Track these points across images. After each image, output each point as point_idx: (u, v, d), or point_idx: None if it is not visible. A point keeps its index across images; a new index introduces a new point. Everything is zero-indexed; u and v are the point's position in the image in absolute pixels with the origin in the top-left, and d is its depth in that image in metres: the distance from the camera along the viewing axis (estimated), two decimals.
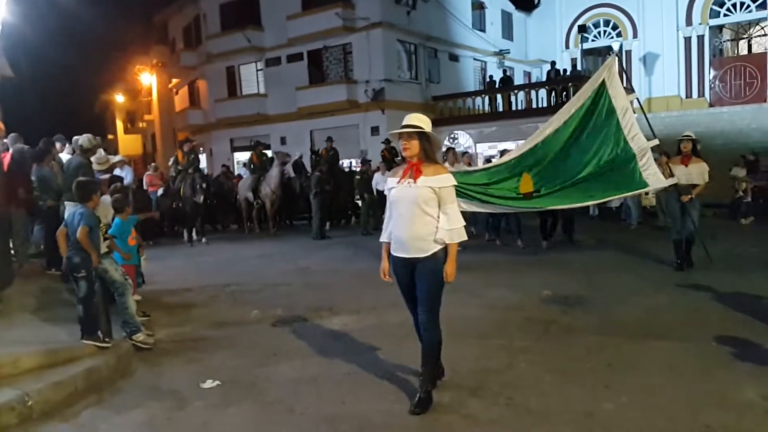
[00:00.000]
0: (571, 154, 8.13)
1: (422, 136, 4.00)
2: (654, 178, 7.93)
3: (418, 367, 4.27)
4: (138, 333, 5.70)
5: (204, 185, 13.76)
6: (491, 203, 8.39)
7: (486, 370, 4.74)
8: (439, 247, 3.97)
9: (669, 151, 9.83)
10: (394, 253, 4.13)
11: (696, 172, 7.96)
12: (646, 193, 13.11)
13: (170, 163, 15.58)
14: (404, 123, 4.04)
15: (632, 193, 8.87)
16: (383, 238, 4.21)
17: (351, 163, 20.85)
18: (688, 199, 7.94)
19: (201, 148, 18.83)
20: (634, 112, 8.32)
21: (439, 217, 3.98)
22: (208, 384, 4.71)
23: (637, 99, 8.47)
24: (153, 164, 17.86)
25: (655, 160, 8.31)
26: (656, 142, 8.22)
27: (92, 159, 8.45)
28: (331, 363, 5.12)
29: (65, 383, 4.55)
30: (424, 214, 3.94)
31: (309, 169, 17.74)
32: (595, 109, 8.12)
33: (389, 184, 4.20)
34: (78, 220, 5.20)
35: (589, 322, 5.95)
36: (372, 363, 5.07)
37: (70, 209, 6.00)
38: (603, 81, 8.11)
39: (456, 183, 7.47)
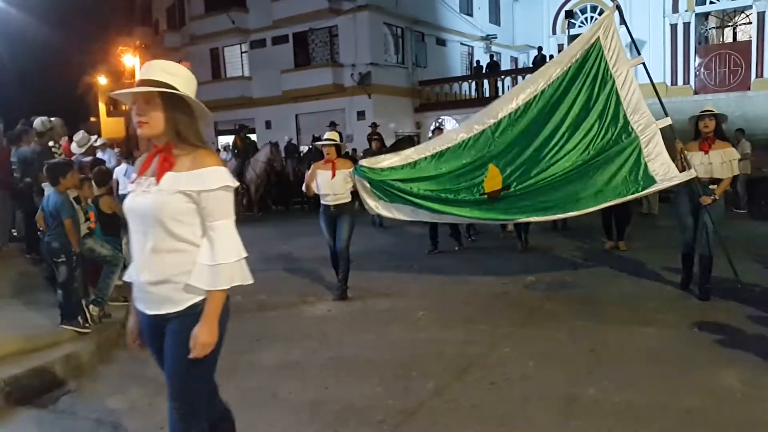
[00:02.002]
0: (552, 136, 6.31)
1: (170, 100, 2.31)
2: (663, 171, 5.96)
3: (402, 352, 4.26)
4: (98, 306, 5.50)
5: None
6: (432, 209, 6.60)
7: (470, 355, 4.74)
8: (200, 297, 2.32)
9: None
10: (136, 304, 2.47)
11: (719, 162, 5.73)
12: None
13: None
14: (140, 76, 2.36)
15: (635, 196, 6.31)
16: (127, 276, 2.48)
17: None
18: (710, 201, 5.72)
19: None
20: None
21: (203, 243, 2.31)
22: None
23: (644, 64, 6.34)
24: (117, 149, 17.46)
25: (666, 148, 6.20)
26: (668, 121, 6.09)
27: (74, 140, 8.29)
28: (314, 348, 5.10)
29: (44, 369, 4.50)
30: (171, 238, 2.27)
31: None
32: (586, 76, 6.29)
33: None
34: (53, 205, 5.12)
35: (572, 308, 5.97)
36: (355, 348, 5.06)
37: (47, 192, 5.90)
38: (597, 39, 6.30)
39: (373, 178, 6.57)
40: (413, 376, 4.35)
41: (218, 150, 20.81)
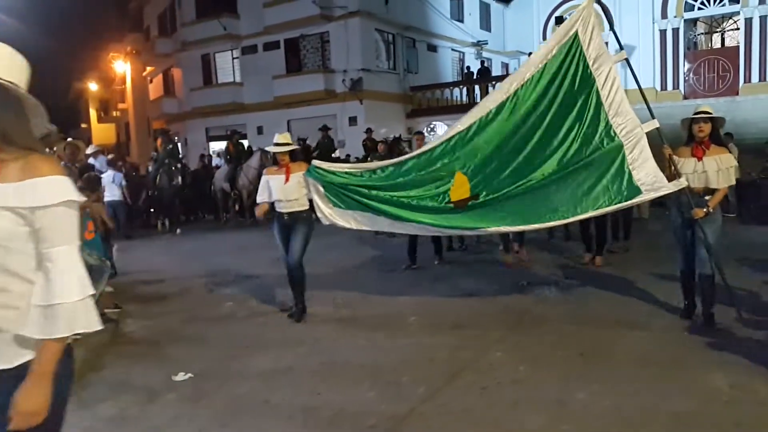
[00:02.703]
0: (526, 141, 5.72)
1: None
2: (650, 180, 5.30)
3: (393, 357, 4.27)
4: None
5: (179, 165, 13.60)
6: (393, 215, 5.98)
7: (461, 359, 4.75)
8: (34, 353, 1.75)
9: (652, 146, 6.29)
10: None
11: (714, 169, 5.07)
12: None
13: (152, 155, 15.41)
14: None
15: (617, 207, 5.60)
16: None
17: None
18: (702, 214, 5.06)
19: (176, 137, 18.61)
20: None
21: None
22: (181, 376, 4.65)
23: (627, 61, 5.85)
24: (110, 155, 17.46)
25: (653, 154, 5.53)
26: (655, 124, 5.39)
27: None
28: (306, 354, 5.10)
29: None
30: None
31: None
32: (564, 75, 5.61)
33: None
34: None
35: (562, 312, 6.00)
36: (347, 353, 5.06)
37: None
38: (575, 34, 5.59)
39: (328, 181, 6.00)
40: (405, 381, 4.36)
41: (210, 155, 20.80)
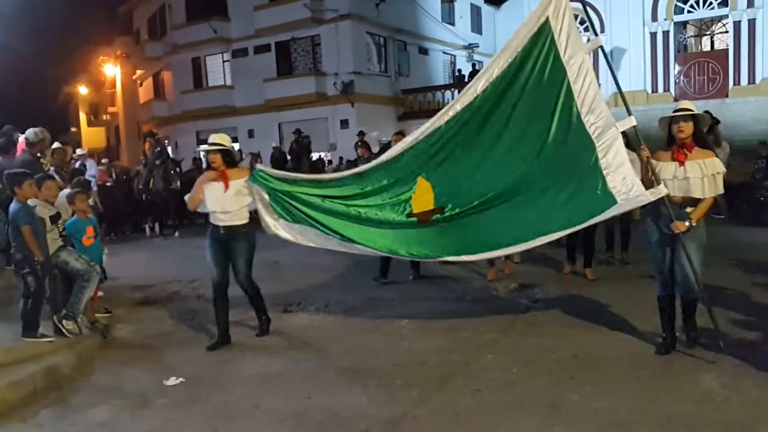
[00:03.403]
0: (492, 146, 5.09)
1: None
2: (626, 188, 4.65)
3: (385, 361, 4.26)
4: (71, 320, 5.36)
5: (178, 170, 13.51)
6: (345, 235, 5.33)
7: (453, 363, 4.75)
8: None
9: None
10: None
11: (698, 176, 4.36)
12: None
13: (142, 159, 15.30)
14: None
15: (592, 221, 4.96)
16: None
17: (321, 156, 20.72)
18: (684, 228, 4.37)
19: (167, 141, 18.56)
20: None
21: None
22: (172, 381, 4.62)
23: (602, 48, 5.21)
24: (103, 160, 17.38)
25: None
26: (632, 122, 4.69)
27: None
28: (297, 358, 5.08)
29: (23, 382, 4.45)
30: None
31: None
32: (533, 68, 4.95)
33: None
34: (12, 215, 5.09)
35: (554, 314, 6.00)
36: (339, 357, 5.04)
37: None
38: (546, 20, 4.92)
39: (274, 188, 5.34)
40: (397, 384, 4.35)
41: (202, 159, 20.71)
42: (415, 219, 5.25)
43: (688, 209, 4.45)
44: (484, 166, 5.12)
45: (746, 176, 12.79)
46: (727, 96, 23.53)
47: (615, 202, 4.70)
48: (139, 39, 31.34)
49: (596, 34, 5.22)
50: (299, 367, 4.86)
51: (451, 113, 5.10)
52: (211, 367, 4.96)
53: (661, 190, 4.45)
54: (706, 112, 5.73)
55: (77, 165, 10.66)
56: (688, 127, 4.44)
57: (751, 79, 23.54)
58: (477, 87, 5.05)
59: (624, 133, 4.84)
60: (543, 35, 4.92)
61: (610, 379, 4.24)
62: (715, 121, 7.54)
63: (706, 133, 4.70)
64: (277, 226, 5.47)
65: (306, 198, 5.38)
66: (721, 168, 4.44)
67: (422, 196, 5.20)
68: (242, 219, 5.39)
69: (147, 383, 4.63)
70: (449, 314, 6.17)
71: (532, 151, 5.02)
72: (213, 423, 3.93)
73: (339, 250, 5.54)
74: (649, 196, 4.49)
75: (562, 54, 4.88)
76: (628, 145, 5.18)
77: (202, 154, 23.65)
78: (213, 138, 5.42)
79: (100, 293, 6.41)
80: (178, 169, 13.60)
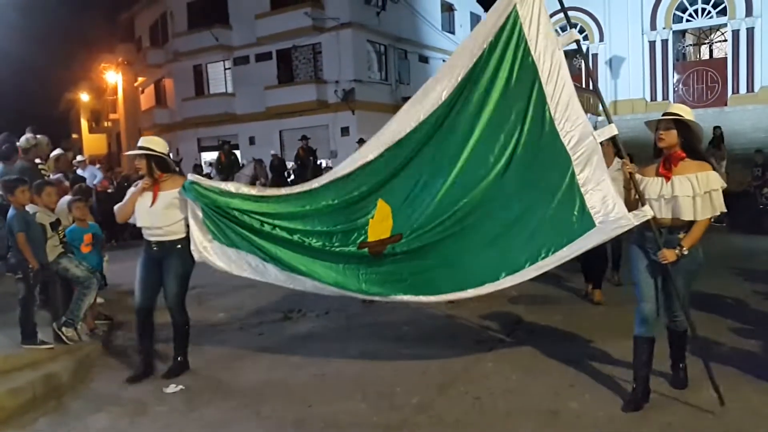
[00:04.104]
0: (455, 159, 4.31)
1: None
2: (605, 208, 3.94)
3: (385, 368, 4.25)
4: (70, 327, 5.35)
5: (178, 169, 13.52)
6: (286, 264, 4.54)
7: (453, 370, 4.74)
8: None
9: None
10: None
11: (687, 194, 3.68)
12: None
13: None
14: None
15: (568, 252, 4.09)
16: None
17: (322, 163, 20.75)
18: (673, 258, 3.70)
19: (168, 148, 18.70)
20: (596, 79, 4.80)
21: None
22: (172, 388, 4.61)
23: (578, 42, 4.21)
24: (97, 165, 17.33)
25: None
26: (612, 130, 3.99)
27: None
28: (298, 365, 5.07)
29: (22, 389, 4.44)
30: None
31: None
32: (499, 69, 4.20)
33: None
34: (7, 221, 5.11)
35: (554, 320, 6.00)
36: (339, 364, 5.04)
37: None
38: (513, 8, 4.14)
39: (209, 202, 4.53)
40: (397, 392, 4.35)
41: (202, 165, 20.79)
42: (366, 251, 4.44)
43: (680, 234, 3.76)
44: (448, 186, 4.31)
45: (745, 184, 12.83)
46: (725, 104, 23.63)
47: (593, 225, 3.96)
48: (140, 46, 31.46)
49: (570, 26, 4.45)
50: (299, 374, 4.86)
51: (413, 124, 4.31)
52: (212, 374, 4.96)
53: (645, 213, 3.76)
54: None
55: (78, 171, 10.67)
56: (669, 136, 3.75)
57: (750, 87, 23.63)
58: (441, 92, 4.27)
59: (615, 145, 4.30)
60: (510, 27, 4.15)
61: (610, 386, 4.24)
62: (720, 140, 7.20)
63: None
64: (207, 249, 4.65)
65: (243, 218, 4.56)
66: (718, 183, 3.70)
67: (381, 223, 4.43)
68: (178, 234, 4.73)
69: (146, 390, 4.62)
70: (449, 321, 6.18)
71: (498, 165, 4.23)
72: (212, 430, 3.93)
73: (278, 283, 4.66)
74: (632, 220, 3.82)
75: (532, 50, 4.13)
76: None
77: (204, 159, 23.71)
78: (142, 141, 4.85)
79: (99, 300, 6.40)
80: (177, 168, 13.61)
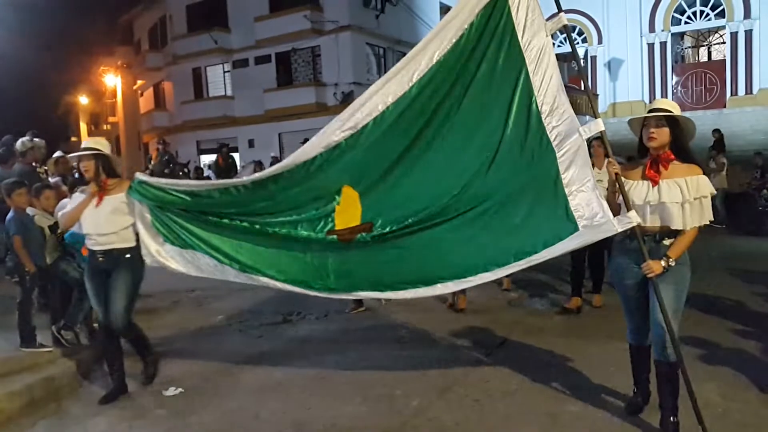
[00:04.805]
0: (434, 152, 3.96)
1: None
2: (590, 212, 3.60)
3: (385, 371, 4.25)
4: (69, 330, 5.33)
5: (186, 170, 13.64)
6: (244, 264, 4.35)
7: (452, 372, 4.74)
8: None
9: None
10: None
11: (676, 200, 3.34)
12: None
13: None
14: None
15: (550, 253, 3.78)
16: None
17: None
18: (659, 270, 3.36)
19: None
20: (578, 68, 3.97)
21: None
22: (171, 391, 4.61)
23: (566, 29, 3.81)
24: None
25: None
26: (599, 126, 3.68)
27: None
28: (297, 368, 5.07)
29: (21, 392, 4.43)
30: None
31: None
32: (484, 53, 3.81)
33: None
34: (8, 226, 5.11)
35: (553, 323, 6.00)
36: (338, 367, 5.03)
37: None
38: None
39: (157, 202, 4.31)
40: (397, 394, 4.34)
41: (202, 168, 20.77)
42: (335, 237, 4.13)
43: (666, 241, 3.44)
44: (423, 176, 3.99)
45: (744, 186, 12.86)
46: (724, 106, 23.70)
47: (576, 228, 3.65)
48: (139, 49, 31.49)
49: (560, 10, 3.78)
50: (298, 376, 4.85)
51: (380, 107, 3.88)
52: (211, 377, 4.95)
53: (630, 219, 3.42)
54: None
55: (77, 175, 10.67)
56: (661, 135, 3.38)
57: (749, 89, 23.70)
58: (412, 74, 3.82)
59: (603, 143, 3.85)
60: (497, 8, 3.78)
61: (610, 389, 4.23)
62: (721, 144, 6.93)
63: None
64: (161, 252, 4.43)
65: (193, 217, 4.34)
66: (708, 190, 3.36)
67: (348, 209, 4.09)
68: (126, 242, 4.42)
69: (146, 393, 4.62)
70: (449, 324, 6.17)
71: (481, 159, 3.89)
72: None
73: (238, 281, 4.48)
74: (616, 226, 3.48)
75: (520, 36, 3.75)
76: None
77: (203, 162, 23.71)
78: (87, 142, 4.53)
79: None
80: (186, 170, 13.70)
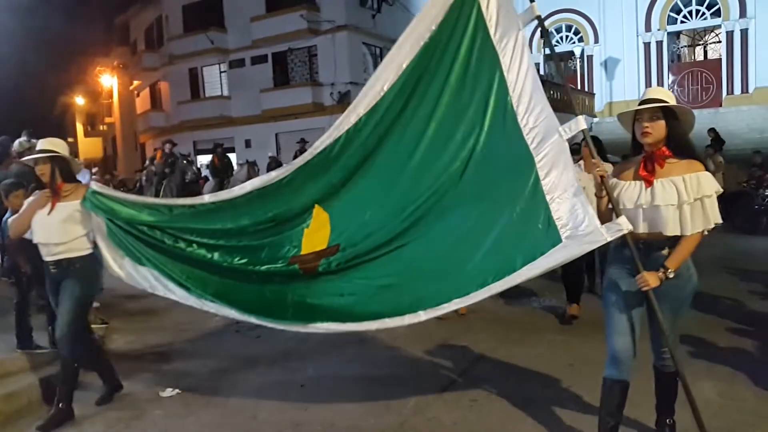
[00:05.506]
0: (407, 165, 3.65)
1: None
2: (574, 221, 3.23)
3: (383, 370, 4.25)
4: None
5: (197, 169, 13.67)
6: (203, 294, 3.98)
7: (450, 372, 4.74)
8: None
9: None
10: None
11: (671, 202, 2.90)
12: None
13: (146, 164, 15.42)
14: None
15: (531, 272, 3.33)
16: None
17: None
18: (655, 283, 2.92)
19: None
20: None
21: None
22: (168, 392, 4.60)
23: (540, 19, 3.43)
24: (94, 169, 17.35)
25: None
26: (581, 124, 3.25)
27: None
28: (295, 368, 5.07)
29: (17, 394, 4.43)
30: None
31: None
32: (455, 54, 3.57)
33: None
34: (5, 226, 5.09)
35: (550, 322, 6.01)
36: (336, 367, 5.04)
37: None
38: None
39: (113, 214, 3.97)
40: (395, 394, 4.33)
41: (199, 168, 20.77)
42: (296, 267, 3.79)
43: (665, 251, 3.00)
44: (395, 191, 3.69)
45: (742, 184, 12.88)
46: (720, 105, 23.76)
47: (559, 240, 3.26)
48: (136, 49, 31.41)
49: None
50: (295, 377, 4.85)
51: (352, 119, 3.65)
52: (208, 377, 4.95)
53: (621, 226, 3.00)
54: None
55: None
56: (657, 129, 2.96)
57: (744, 88, 23.77)
58: (383, 84, 3.63)
59: (587, 142, 3.53)
60: (467, 4, 3.51)
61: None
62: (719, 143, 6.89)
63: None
64: (123, 266, 4.07)
65: (153, 233, 3.98)
66: (712, 188, 2.90)
67: (317, 232, 3.77)
68: (78, 251, 4.09)
69: (143, 394, 4.61)
70: (446, 323, 6.16)
71: (452, 168, 3.58)
72: None
73: (196, 306, 4.08)
74: (605, 235, 3.07)
75: (492, 32, 3.47)
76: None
77: (200, 162, 23.70)
78: (42, 143, 4.17)
79: (95, 304, 6.38)
80: (197, 168, 13.76)
